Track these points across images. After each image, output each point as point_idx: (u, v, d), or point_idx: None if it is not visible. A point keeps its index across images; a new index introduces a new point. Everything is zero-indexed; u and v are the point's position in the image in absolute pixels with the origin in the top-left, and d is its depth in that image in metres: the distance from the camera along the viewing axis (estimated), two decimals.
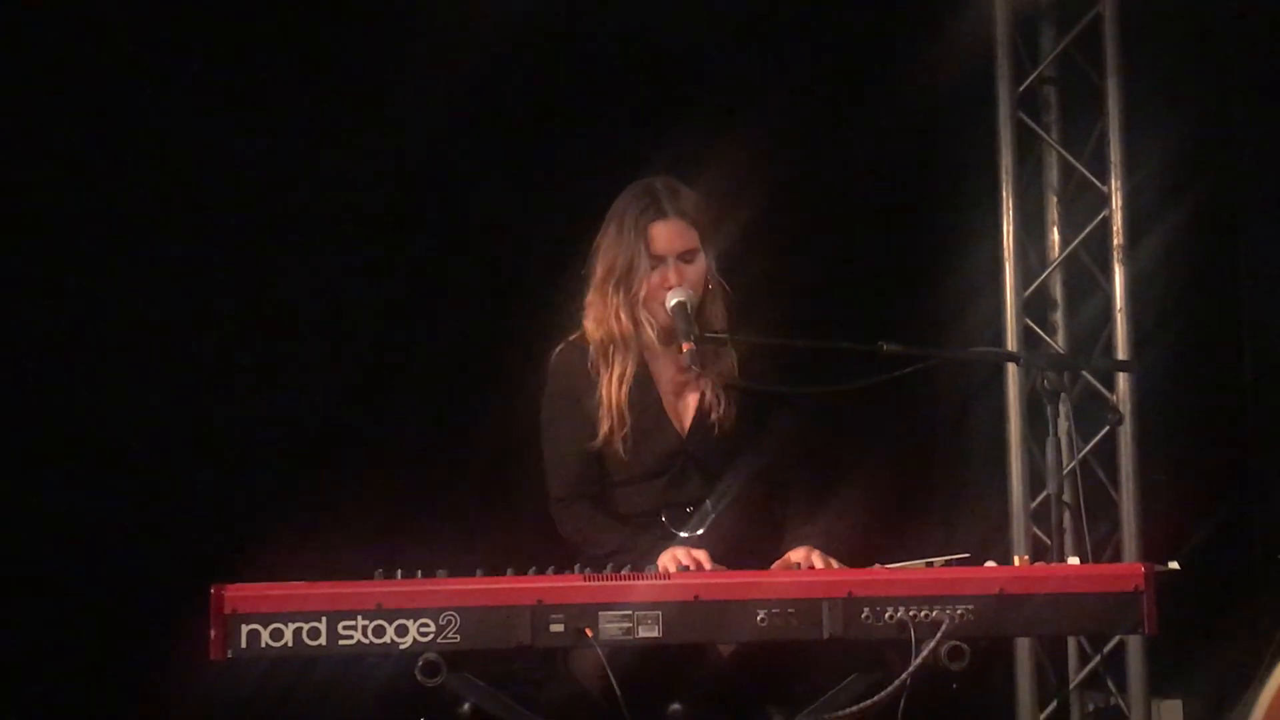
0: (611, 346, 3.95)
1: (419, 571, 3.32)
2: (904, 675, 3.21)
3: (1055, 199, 5.72)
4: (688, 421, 3.98)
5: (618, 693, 3.27)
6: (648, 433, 3.94)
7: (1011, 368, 5.41)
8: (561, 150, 5.39)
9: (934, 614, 3.24)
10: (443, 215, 5.39)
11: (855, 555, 3.68)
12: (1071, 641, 5.53)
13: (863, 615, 3.26)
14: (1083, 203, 5.64)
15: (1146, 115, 5.52)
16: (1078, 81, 5.62)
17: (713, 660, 3.60)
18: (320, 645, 3.22)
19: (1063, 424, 3.59)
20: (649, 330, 3.94)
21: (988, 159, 5.53)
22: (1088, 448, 5.39)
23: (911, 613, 3.24)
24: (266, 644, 3.22)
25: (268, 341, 5.22)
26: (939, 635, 3.22)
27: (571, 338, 4.02)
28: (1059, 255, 5.66)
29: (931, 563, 3.44)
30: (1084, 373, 5.49)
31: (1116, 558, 5.40)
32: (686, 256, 3.94)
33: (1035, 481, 5.41)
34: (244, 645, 3.22)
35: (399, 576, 3.30)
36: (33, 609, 4.95)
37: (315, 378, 5.23)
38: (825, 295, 5.31)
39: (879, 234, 5.62)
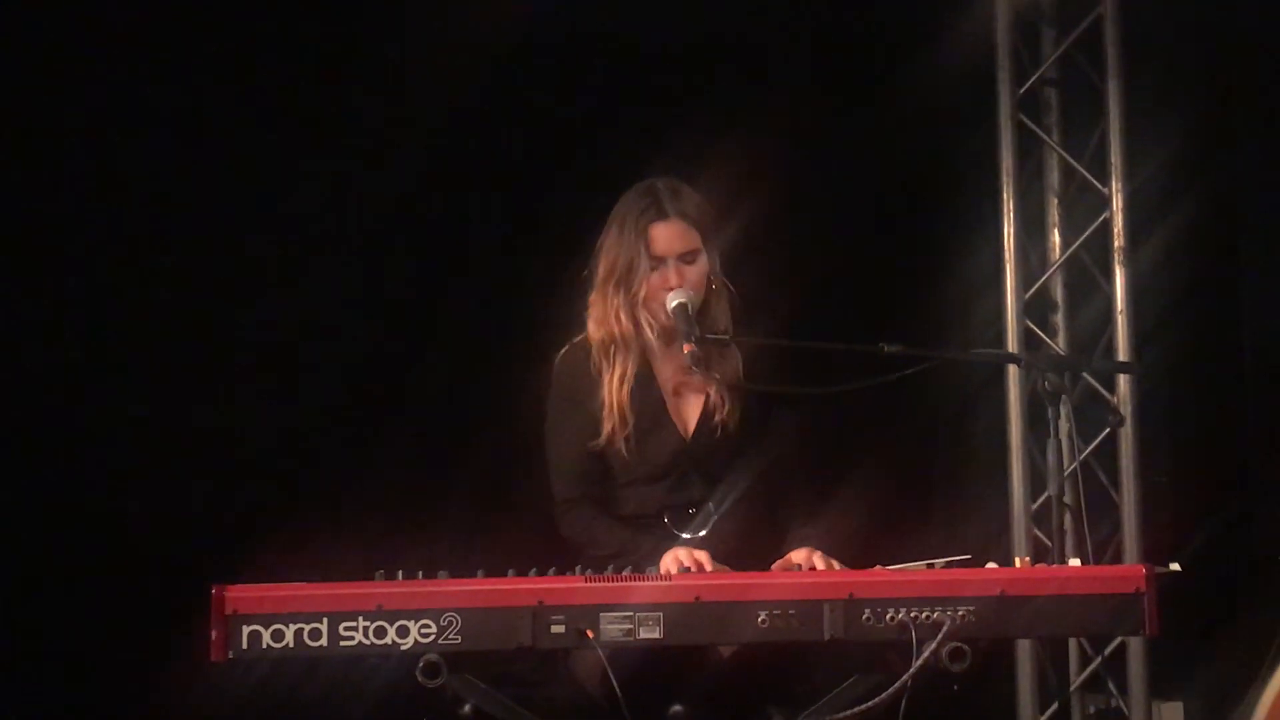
0: (613, 347, 3.95)
1: (420, 572, 3.31)
2: (905, 677, 3.20)
3: (1056, 201, 5.72)
4: (692, 423, 3.98)
5: (619, 694, 3.27)
6: (650, 434, 3.94)
7: (1012, 369, 5.41)
8: (563, 151, 5.40)
9: (935, 615, 3.24)
10: (443, 216, 5.40)
11: (856, 556, 3.68)
12: (1072, 643, 5.53)
13: (864, 616, 3.25)
14: (1083, 204, 5.64)
15: (1147, 117, 5.53)
16: (1078, 83, 5.62)
17: (714, 661, 3.59)
18: (321, 646, 3.22)
19: (1064, 425, 3.59)
20: (649, 331, 3.94)
21: (988, 161, 5.53)
22: (1089, 449, 5.39)
23: (913, 614, 3.24)
24: (267, 645, 3.22)
25: (269, 342, 5.22)
26: (940, 636, 3.22)
27: (576, 339, 4.03)
28: (1060, 257, 5.66)
29: (933, 564, 3.43)
30: (1085, 374, 5.49)
31: (1117, 559, 5.40)
32: (687, 257, 3.93)
33: (1036, 483, 5.41)
34: (245, 646, 3.21)
35: (400, 577, 3.30)
36: (33, 609, 4.96)
37: (316, 378, 5.23)
38: (826, 296, 5.31)
39: (880, 235, 5.62)
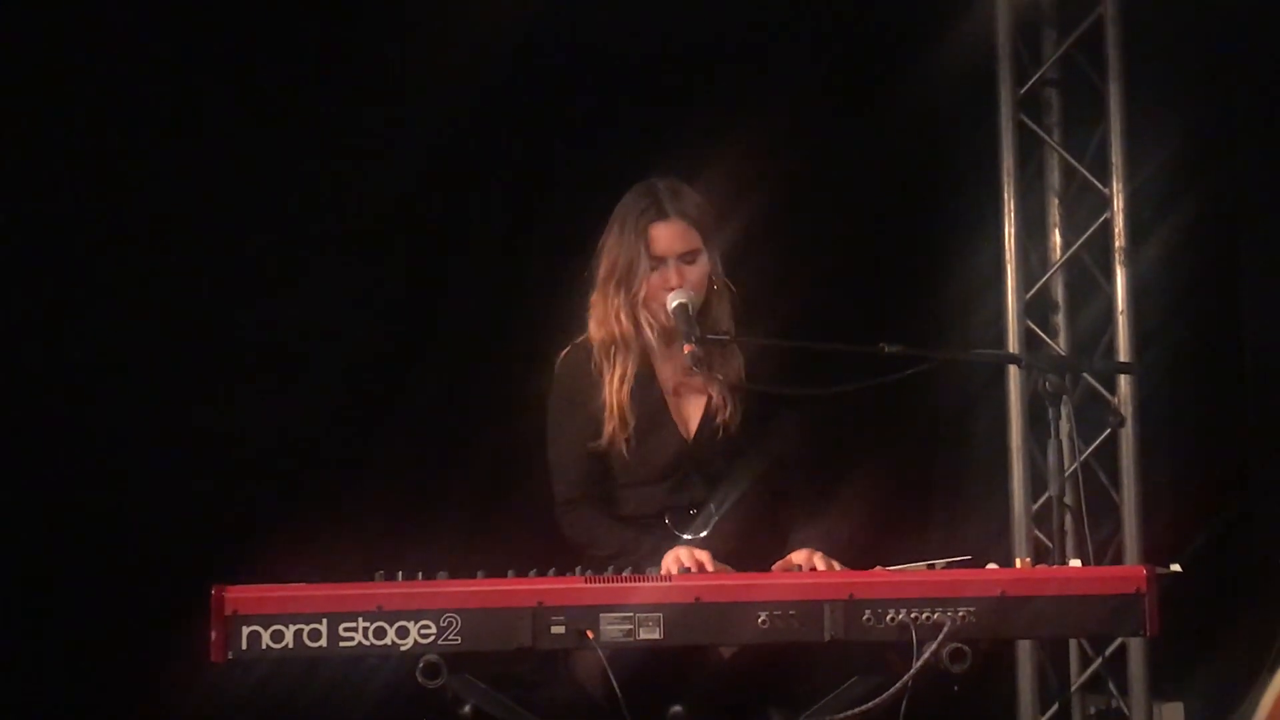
0: (613, 348, 3.95)
1: (420, 573, 3.31)
2: (905, 677, 3.21)
3: (1057, 201, 5.72)
4: (693, 424, 3.98)
5: (619, 695, 3.27)
6: (651, 435, 3.94)
7: (1013, 370, 5.41)
8: (563, 151, 5.40)
9: (935, 616, 3.24)
10: (444, 217, 5.39)
11: (857, 557, 3.67)
12: (1073, 644, 5.53)
13: (864, 617, 3.25)
14: (1084, 205, 5.64)
15: (1148, 117, 5.53)
16: (1079, 84, 5.62)
17: (714, 662, 3.59)
18: (321, 647, 3.22)
19: (1064, 426, 3.59)
20: (650, 331, 3.94)
21: (989, 161, 5.53)
22: (1089, 450, 5.39)
23: (913, 615, 3.24)
24: (267, 645, 3.22)
25: (269, 342, 5.22)
26: (940, 637, 3.22)
27: (578, 340, 4.03)
28: (1060, 257, 5.66)
29: (933, 565, 3.43)
30: (1085, 375, 5.49)
31: (1118, 560, 5.40)
32: (688, 257, 3.93)
33: (1037, 483, 5.40)
34: (245, 647, 3.22)
35: (400, 578, 3.30)
36: (34, 610, 4.95)
37: (316, 379, 5.22)
38: (826, 297, 5.30)
39: (880, 236, 5.62)
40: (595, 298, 3.99)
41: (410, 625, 3.22)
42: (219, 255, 5.19)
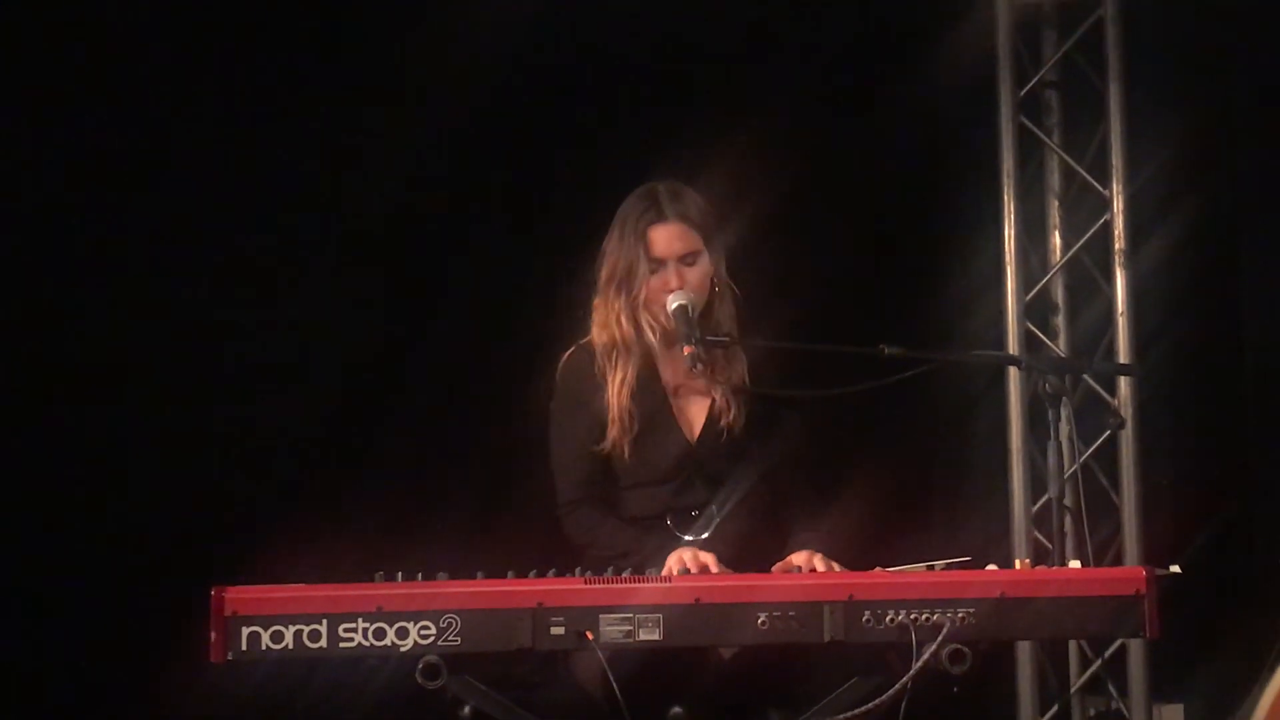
0: (615, 350, 3.95)
1: (419, 574, 3.31)
2: (905, 679, 3.20)
3: (1057, 203, 5.72)
4: (697, 427, 3.98)
5: (618, 696, 3.27)
6: (654, 437, 3.93)
7: (1013, 371, 5.42)
8: (565, 152, 5.39)
9: (935, 617, 3.23)
10: (444, 217, 5.39)
11: (856, 558, 3.67)
12: (1073, 645, 5.53)
13: (864, 618, 3.25)
14: (1084, 206, 5.64)
15: (1148, 119, 5.53)
16: (1079, 85, 5.62)
17: (714, 663, 3.59)
18: (321, 648, 3.22)
19: (1064, 428, 3.58)
20: (651, 334, 3.93)
21: (989, 163, 5.53)
22: (1089, 451, 5.39)
23: (913, 616, 3.24)
24: (267, 646, 3.21)
25: (269, 343, 5.22)
26: (940, 638, 3.21)
27: (581, 341, 4.02)
28: (1060, 259, 5.66)
29: (933, 566, 3.43)
30: (1085, 376, 5.49)
31: (1118, 561, 5.39)
32: (688, 259, 3.93)
33: (1036, 485, 5.41)
34: (244, 647, 3.21)
35: (399, 579, 3.29)
36: (33, 610, 4.95)
37: (316, 379, 5.22)
38: (826, 298, 5.30)
39: (880, 238, 5.62)
40: (597, 301, 3.99)
41: (410, 626, 3.22)
42: (219, 256, 5.19)
